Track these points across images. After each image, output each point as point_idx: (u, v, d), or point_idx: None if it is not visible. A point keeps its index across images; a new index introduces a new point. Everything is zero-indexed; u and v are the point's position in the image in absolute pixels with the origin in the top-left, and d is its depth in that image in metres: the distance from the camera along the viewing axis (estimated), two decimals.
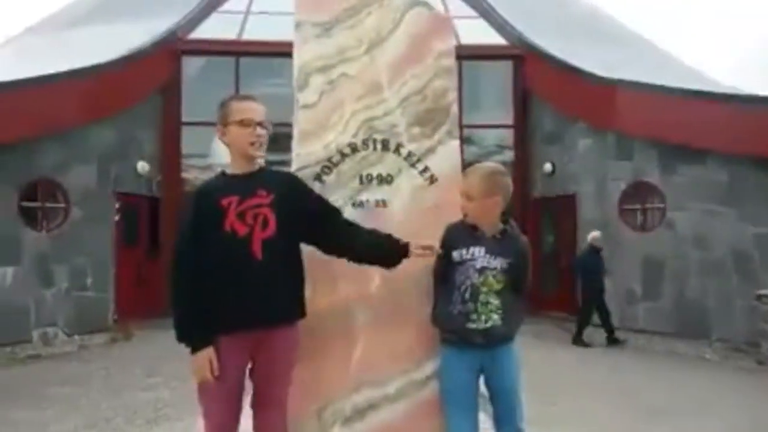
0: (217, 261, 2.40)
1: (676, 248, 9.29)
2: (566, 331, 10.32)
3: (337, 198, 2.87)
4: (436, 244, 2.67)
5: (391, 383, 2.79)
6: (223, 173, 2.62)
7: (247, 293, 2.39)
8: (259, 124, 2.53)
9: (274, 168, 2.73)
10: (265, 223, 2.44)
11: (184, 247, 2.44)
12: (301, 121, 2.96)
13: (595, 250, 9.17)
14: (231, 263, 2.40)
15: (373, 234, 2.63)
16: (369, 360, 2.80)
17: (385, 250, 2.59)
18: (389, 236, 2.62)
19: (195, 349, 2.39)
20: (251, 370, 2.53)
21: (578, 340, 9.12)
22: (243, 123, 2.51)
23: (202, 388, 2.47)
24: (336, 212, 2.67)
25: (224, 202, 2.44)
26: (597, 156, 10.71)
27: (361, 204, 2.90)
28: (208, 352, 2.38)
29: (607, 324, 9.21)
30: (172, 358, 7.38)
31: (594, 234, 9.29)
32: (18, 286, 8.66)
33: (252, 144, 2.52)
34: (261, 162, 2.64)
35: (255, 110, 2.55)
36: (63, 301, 9.26)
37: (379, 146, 2.94)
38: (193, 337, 2.40)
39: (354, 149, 2.93)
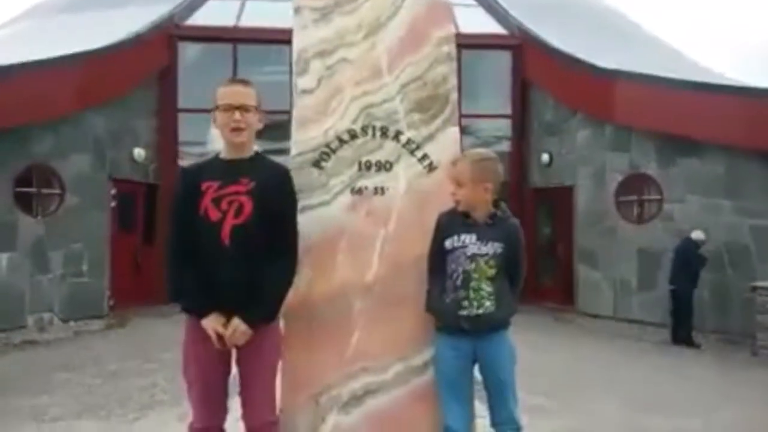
0: (191, 243, 2.44)
1: (672, 240, 9.29)
2: (561, 321, 10.38)
3: (336, 184, 2.86)
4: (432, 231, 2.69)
5: (388, 369, 2.78)
6: (216, 156, 2.63)
7: (213, 278, 2.40)
8: (239, 108, 2.48)
9: (272, 157, 2.69)
10: (239, 210, 2.43)
11: (172, 225, 2.53)
12: (300, 107, 2.94)
13: (694, 246, 8.63)
14: (201, 247, 2.43)
15: (270, 280, 2.45)
16: (366, 346, 2.79)
17: (256, 298, 2.42)
18: (266, 298, 2.45)
19: (202, 315, 2.42)
20: (237, 358, 2.53)
21: (690, 342, 8.51)
22: (222, 108, 2.50)
23: (188, 371, 2.51)
24: (281, 233, 2.50)
25: (204, 185, 2.46)
26: (595, 147, 10.70)
27: (359, 190, 2.88)
28: (212, 319, 2.40)
29: (679, 322, 8.73)
30: (167, 344, 7.38)
31: (699, 235, 8.67)
32: (13, 272, 8.63)
33: (231, 130, 2.49)
34: (252, 150, 2.59)
35: (234, 94, 2.51)
36: (58, 287, 9.24)
37: (378, 133, 2.92)
38: (193, 306, 2.45)
39: (353, 135, 2.91)
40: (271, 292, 2.48)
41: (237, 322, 2.39)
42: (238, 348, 2.48)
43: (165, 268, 2.51)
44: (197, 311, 2.43)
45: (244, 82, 2.60)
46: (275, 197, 2.50)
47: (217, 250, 2.41)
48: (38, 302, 8.94)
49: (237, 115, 2.48)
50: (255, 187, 2.46)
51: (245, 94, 2.53)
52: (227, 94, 2.53)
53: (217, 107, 2.52)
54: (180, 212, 2.51)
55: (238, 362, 2.52)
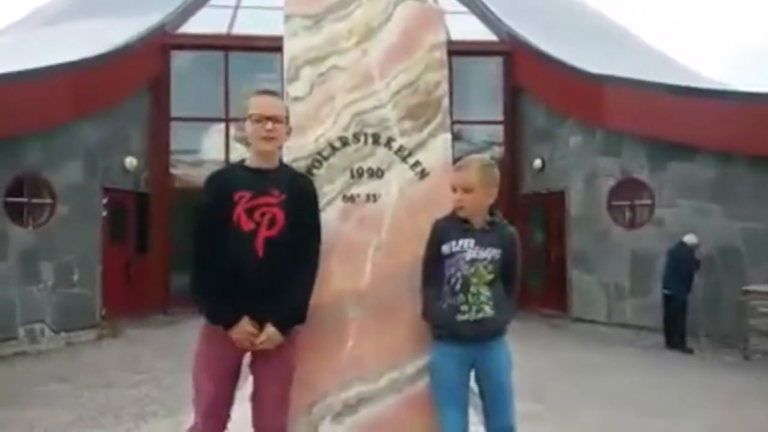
0: (222, 252, 2.43)
1: (664, 244, 9.32)
2: (554, 326, 10.39)
3: (328, 191, 2.86)
4: (426, 238, 2.68)
5: (382, 378, 2.78)
6: (241, 164, 2.64)
7: (243, 289, 2.40)
8: (270, 118, 2.51)
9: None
10: (272, 222, 2.45)
11: (201, 234, 2.50)
12: (291, 114, 2.93)
13: (687, 249, 8.62)
14: (233, 257, 2.42)
15: (295, 288, 2.49)
16: (360, 355, 2.78)
17: (285, 303, 2.46)
18: (295, 301, 2.49)
19: (228, 326, 2.41)
20: (252, 364, 2.54)
21: (683, 346, 8.48)
22: (253, 118, 2.53)
23: (198, 366, 2.52)
24: (307, 241, 2.54)
25: (236, 195, 2.47)
26: (586, 152, 10.73)
27: (351, 198, 2.88)
28: (244, 324, 2.40)
29: (672, 326, 8.72)
30: (159, 355, 7.35)
31: (692, 239, 8.63)
32: (3, 283, 8.53)
33: (263, 139, 2.52)
34: (277, 160, 2.62)
35: (264, 105, 2.54)
36: (49, 298, 9.14)
37: (369, 140, 2.92)
38: (222, 315, 2.43)
39: (345, 143, 2.91)
40: (299, 298, 2.51)
41: (272, 330, 2.41)
42: (255, 353, 2.48)
43: (193, 277, 2.51)
44: (227, 323, 2.42)
45: (275, 93, 2.63)
46: (303, 208, 2.55)
47: (249, 260, 2.42)
48: (29, 313, 8.84)
49: (269, 125, 2.51)
50: (286, 199, 2.49)
51: (277, 105, 2.58)
52: (259, 104, 2.55)
53: (249, 117, 2.54)
54: (209, 221, 2.49)
55: (255, 367, 2.53)
